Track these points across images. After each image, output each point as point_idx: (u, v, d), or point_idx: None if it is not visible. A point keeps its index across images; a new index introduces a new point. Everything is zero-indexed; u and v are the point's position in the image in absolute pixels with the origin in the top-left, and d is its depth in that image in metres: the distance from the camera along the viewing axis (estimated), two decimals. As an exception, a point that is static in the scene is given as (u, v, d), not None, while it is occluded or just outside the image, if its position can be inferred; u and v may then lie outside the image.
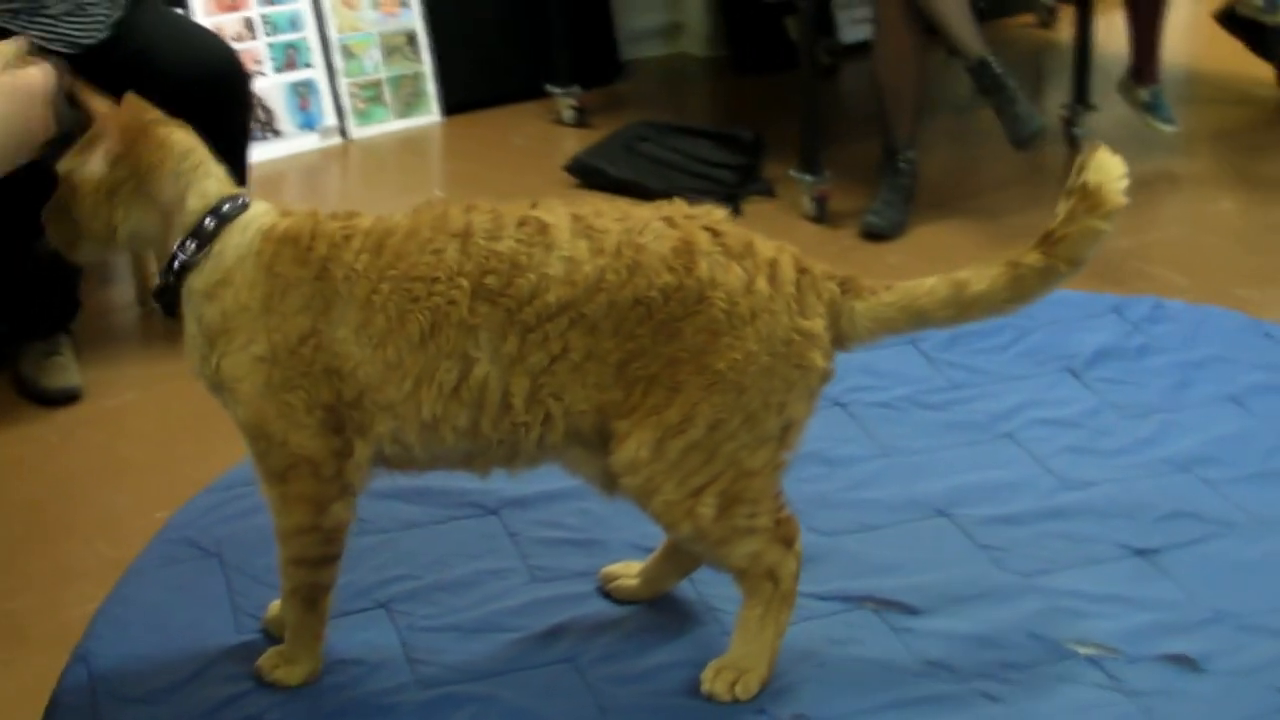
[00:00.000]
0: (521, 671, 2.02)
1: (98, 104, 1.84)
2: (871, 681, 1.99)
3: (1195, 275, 3.36)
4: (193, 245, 1.85)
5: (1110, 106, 4.43)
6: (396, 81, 4.28)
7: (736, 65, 4.83)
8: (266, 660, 2.01)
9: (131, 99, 1.88)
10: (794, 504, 1.98)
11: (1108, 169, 1.85)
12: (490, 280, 1.80)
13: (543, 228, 1.83)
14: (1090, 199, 1.85)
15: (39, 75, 1.80)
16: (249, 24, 4.12)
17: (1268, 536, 2.33)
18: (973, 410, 2.63)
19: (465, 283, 1.80)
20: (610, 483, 1.90)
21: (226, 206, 1.86)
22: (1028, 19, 5.68)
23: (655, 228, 1.83)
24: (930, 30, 3.69)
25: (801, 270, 1.87)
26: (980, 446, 2.55)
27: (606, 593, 2.16)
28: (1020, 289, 1.88)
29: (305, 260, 1.82)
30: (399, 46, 4.36)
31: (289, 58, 4.16)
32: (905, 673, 2.01)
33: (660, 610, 2.14)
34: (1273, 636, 2.09)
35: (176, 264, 1.85)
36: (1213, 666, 2.03)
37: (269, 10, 4.16)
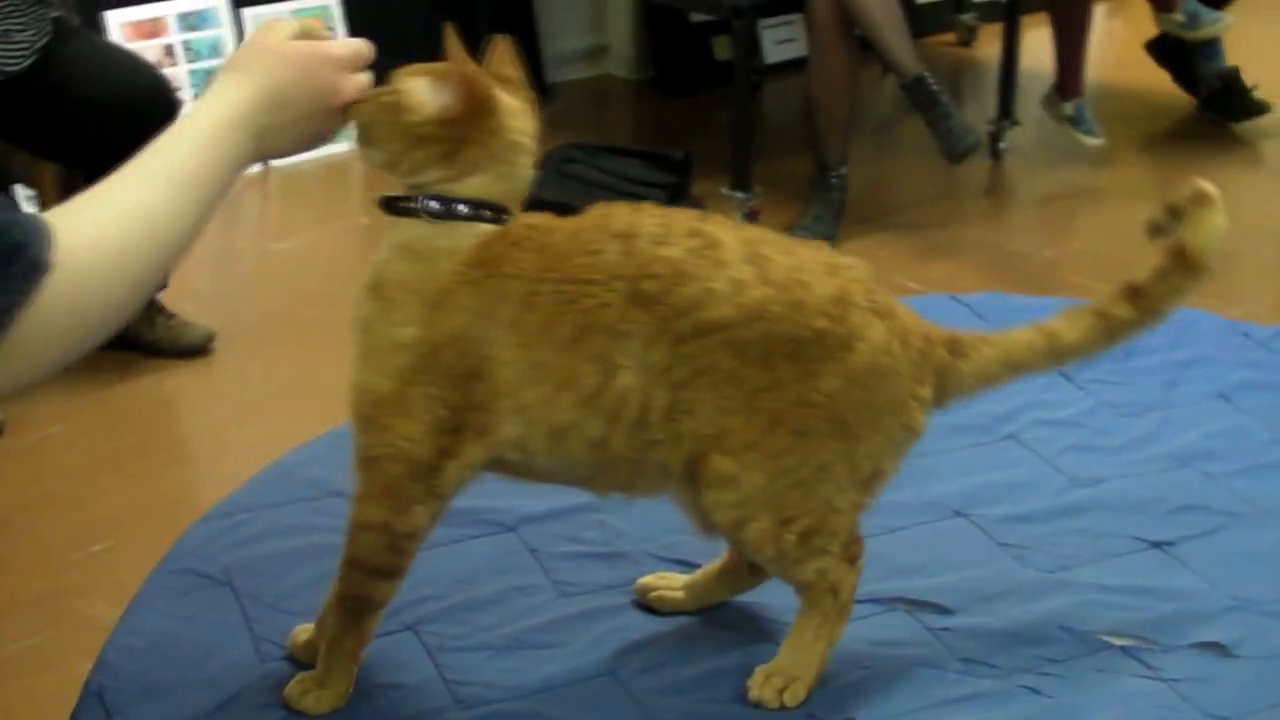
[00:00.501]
0: (564, 688, 2.00)
1: (456, 53, 1.79)
2: (915, 682, 1.99)
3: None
4: (435, 205, 1.81)
5: (1033, 121, 4.52)
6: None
7: (662, 86, 4.85)
8: (295, 687, 1.97)
9: (502, 55, 1.88)
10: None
11: (1208, 232, 1.90)
12: (649, 285, 1.77)
13: (714, 243, 1.81)
14: (1186, 263, 1.90)
15: (339, 45, 1.81)
16: (169, 50, 4.09)
17: (1275, 526, 2.37)
18: (975, 414, 2.64)
19: (621, 286, 1.77)
20: (705, 518, 1.90)
21: (486, 211, 1.83)
22: (949, 37, 5.78)
23: (817, 271, 1.84)
24: (864, 48, 3.74)
25: (925, 337, 1.90)
26: (987, 448, 2.58)
27: (646, 604, 2.14)
28: (1111, 339, 1.94)
29: (483, 261, 1.80)
30: (322, 75, 4.32)
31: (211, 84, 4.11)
32: (946, 671, 2.01)
33: (698, 620, 2.12)
34: (1298, 618, 2.12)
35: (408, 204, 1.82)
36: (1244, 651, 2.06)
37: (190, 36, 4.14)
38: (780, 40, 5.06)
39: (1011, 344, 1.94)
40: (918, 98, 3.69)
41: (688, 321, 1.78)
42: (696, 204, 3.81)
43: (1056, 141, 4.41)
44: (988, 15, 5.80)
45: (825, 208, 3.65)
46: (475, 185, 1.83)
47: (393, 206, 1.84)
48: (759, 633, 2.09)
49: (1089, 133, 4.62)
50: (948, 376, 1.92)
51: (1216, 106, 5.06)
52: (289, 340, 3.16)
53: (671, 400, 1.80)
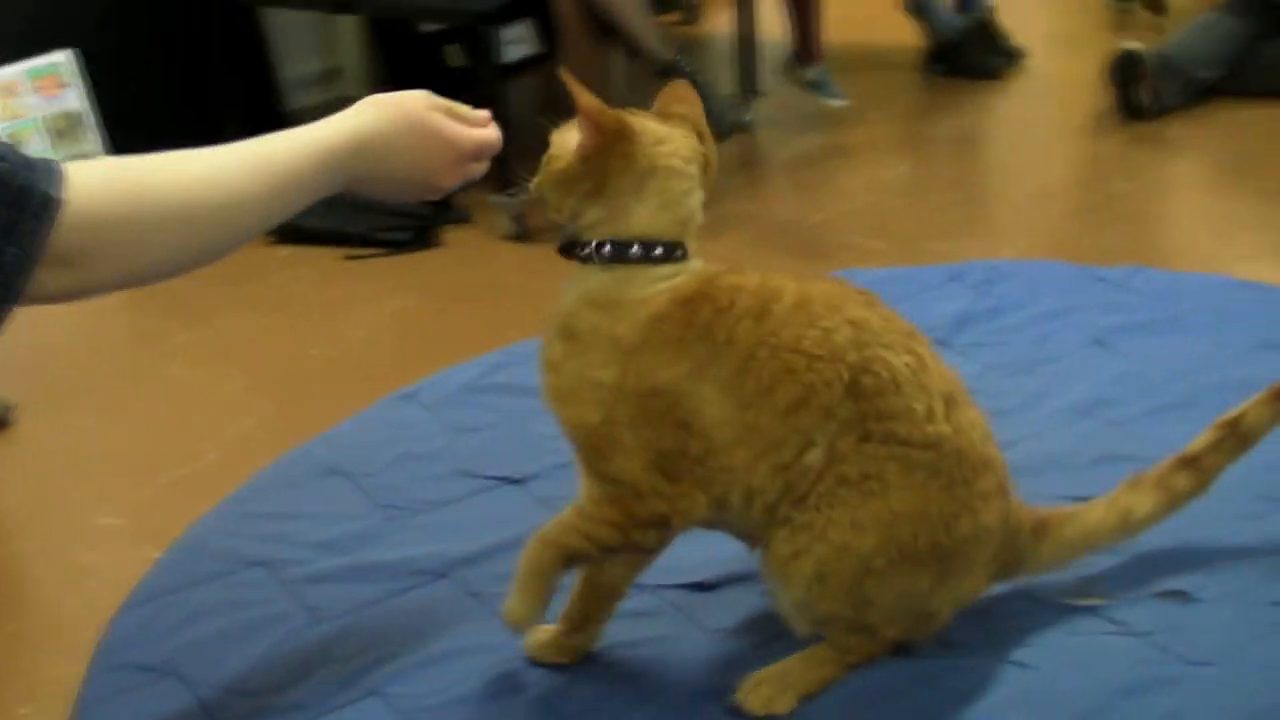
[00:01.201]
0: (550, 731, 1.93)
1: (583, 95, 1.80)
2: (895, 665, 1.96)
3: (890, 238, 3.53)
4: (608, 249, 1.84)
5: (775, 90, 4.59)
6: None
7: None
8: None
9: (672, 93, 1.92)
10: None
11: (1266, 420, 2.09)
12: (867, 381, 1.81)
13: (923, 365, 1.86)
14: (1241, 438, 2.08)
15: (469, 136, 1.87)
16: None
17: (1192, 464, 2.41)
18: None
19: (845, 373, 1.80)
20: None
21: (658, 250, 1.83)
22: (673, 17, 5.81)
23: (981, 430, 1.91)
24: (611, 34, 3.72)
25: (1020, 519, 1.98)
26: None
27: None
28: (1177, 506, 2.08)
29: (690, 323, 1.81)
30: (66, 129, 4.17)
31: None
32: (925, 656, 1.99)
33: (675, 645, 2.06)
34: (1245, 556, 2.17)
35: (582, 250, 1.86)
36: (1204, 595, 2.09)
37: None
38: (511, 40, 5.01)
39: (1087, 524, 2.04)
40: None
41: (882, 426, 1.82)
42: (463, 213, 3.75)
43: (802, 108, 4.48)
44: None
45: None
46: (640, 220, 1.84)
47: (570, 253, 1.89)
48: (740, 653, 2.04)
49: (833, 95, 4.67)
50: (1025, 560, 2.02)
51: (950, 58, 5.15)
52: (94, 407, 3.02)
53: (829, 491, 1.83)
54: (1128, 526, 2.05)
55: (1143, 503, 2.05)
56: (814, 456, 1.82)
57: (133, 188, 1.61)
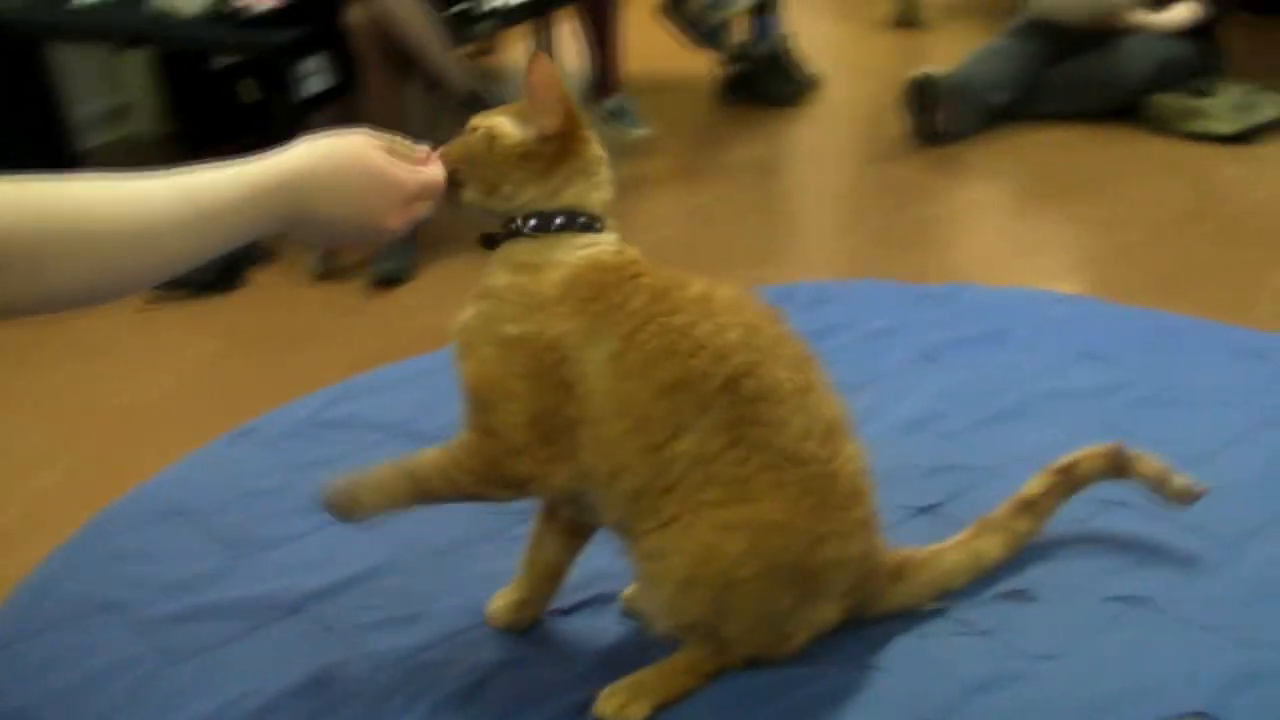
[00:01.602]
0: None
1: (541, 68, 1.86)
2: (754, 675, 2.00)
3: (700, 266, 3.59)
4: (533, 222, 1.91)
5: None
6: None
7: (190, 138, 4.72)
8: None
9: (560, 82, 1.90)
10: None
11: (1096, 470, 2.23)
12: (748, 384, 1.85)
13: (810, 388, 1.92)
14: (1072, 484, 2.22)
15: (414, 177, 1.82)
16: None
17: (1025, 470, 2.49)
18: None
19: (728, 369, 1.84)
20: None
21: (581, 219, 1.90)
22: (470, 48, 5.84)
23: (858, 466, 1.99)
24: (410, 66, 3.73)
25: (880, 560, 2.06)
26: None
27: (633, 614, 2.17)
28: (1020, 546, 2.21)
29: (596, 285, 1.86)
30: None
31: None
32: (782, 665, 2.03)
33: (564, 650, 2.08)
34: (1077, 556, 2.26)
35: (512, 225, 1.93)
36: (1042, 594, 2.17)
37: None
38: (308, 74, 4.99)
39: (940, 568, 2.13)
40: (474, 112, 3.68)
41: (755, 432, 1.86)
42: (265, 253, 3.70)
43: (606, 137, 4.54)
44: (503, 22, 5.90)
45: (399, 239, 3.62)
46: (569, 198, 1.93)
47: (494, 239, 1.95)
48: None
49: (633, 125, 4.72)
50: (879, 599, 2.07)
51: (748, 86, 5.23)
52: None
53: (700, 483, 1.87)
54: (979, 569, 2.16)
55: (992, 546, 2.17)
56: (685, 445, 1.85)
57: (36, 205, 1.53)
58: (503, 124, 1.95)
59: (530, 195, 1.93)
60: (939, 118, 4.49)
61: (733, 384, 1.86)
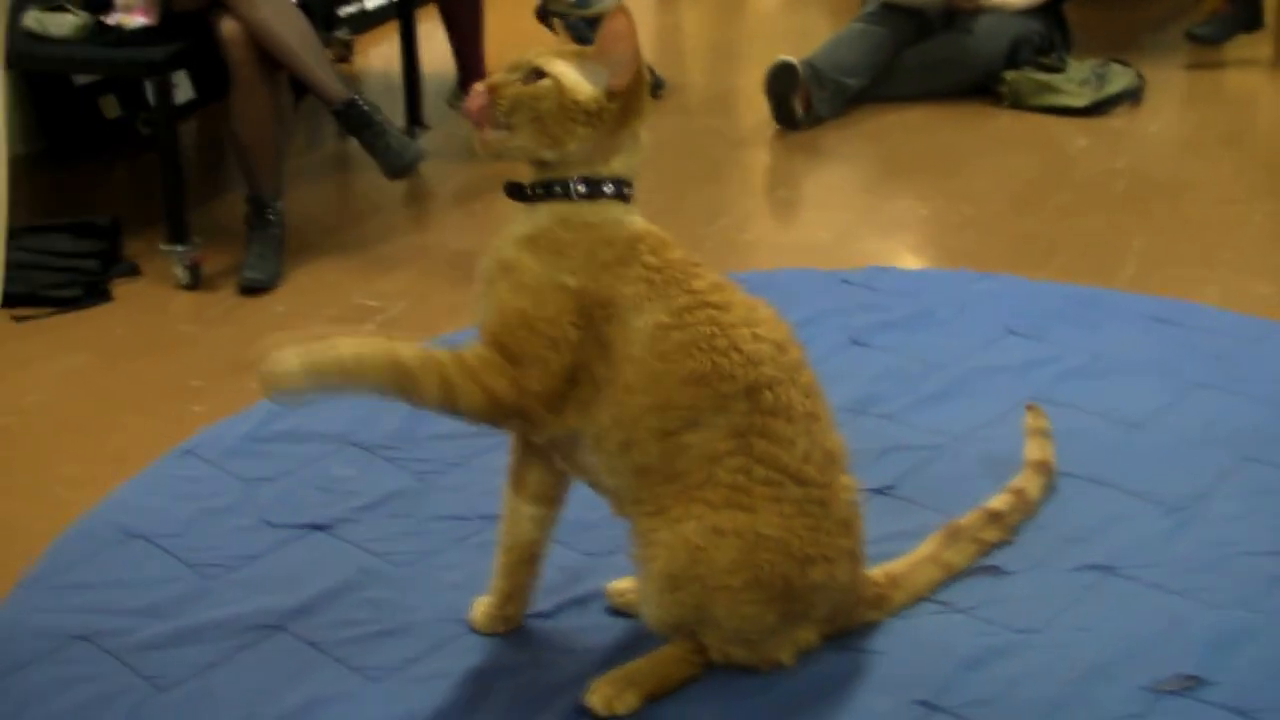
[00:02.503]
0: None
1: (620, 22, 1.87)
2: (752, 677, 2.03)
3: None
4: (583, 188, 1.90)
5: (442, 122, 4.64)
6: None
7: (55, 155, 4.64)
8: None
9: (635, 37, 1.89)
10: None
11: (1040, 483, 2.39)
12: (766, 397, 1.90)
13: (817, 418, 1.97)
14: (1027, 504, 2.35)
15: None
16: None
17: (970, 446, 2.58)
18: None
19: (753, 376, 1.89)
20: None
21: (626, 189, 1.90)
22: (329, 54, 5.79)
23: (854, 495, 2.04)
24: (282, 75, 3.69)
25: (863, 592, 2.10)
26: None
27: (619, 608, 2.18)
28: (984, 554, 2.27)
29: (660, 253, 1.91)
30: None
31: None
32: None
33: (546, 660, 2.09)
34: (1035, 528, 2.34)
35: (559, 189, 1.91)
36: (1013, 567, 2.25)
37: None
38: (174, 83, 4.92)
39: (917, 586, 2.19)
40: (351, 121, 3.64)
41: (763, 445, 1.91)
42: (131, 265, 3.65)
43: (469, 138, 4.53)
44: (358, 27, 5.85)
45: (266, 244, 3.59)
46: (618, 163, 1.92)
47: (532, 193, 1.92)
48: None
49: None
50: (856, 622, 2.10)
51: None
52: None
53: (704, 479, 1.90)
54: (950, 577, 2.22)
55: (962, 557, 2.24)
56: (695, 438, 1.89)
57: None
58: (570, 75, 1.89)
59: (589, 154, 1.90)
60: (798, 103, 4.57)
61: (753, 392, 1.91)
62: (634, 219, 1.93)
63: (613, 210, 1.92)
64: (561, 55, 1.91)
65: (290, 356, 1.81)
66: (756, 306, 1.98)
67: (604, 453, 1.93)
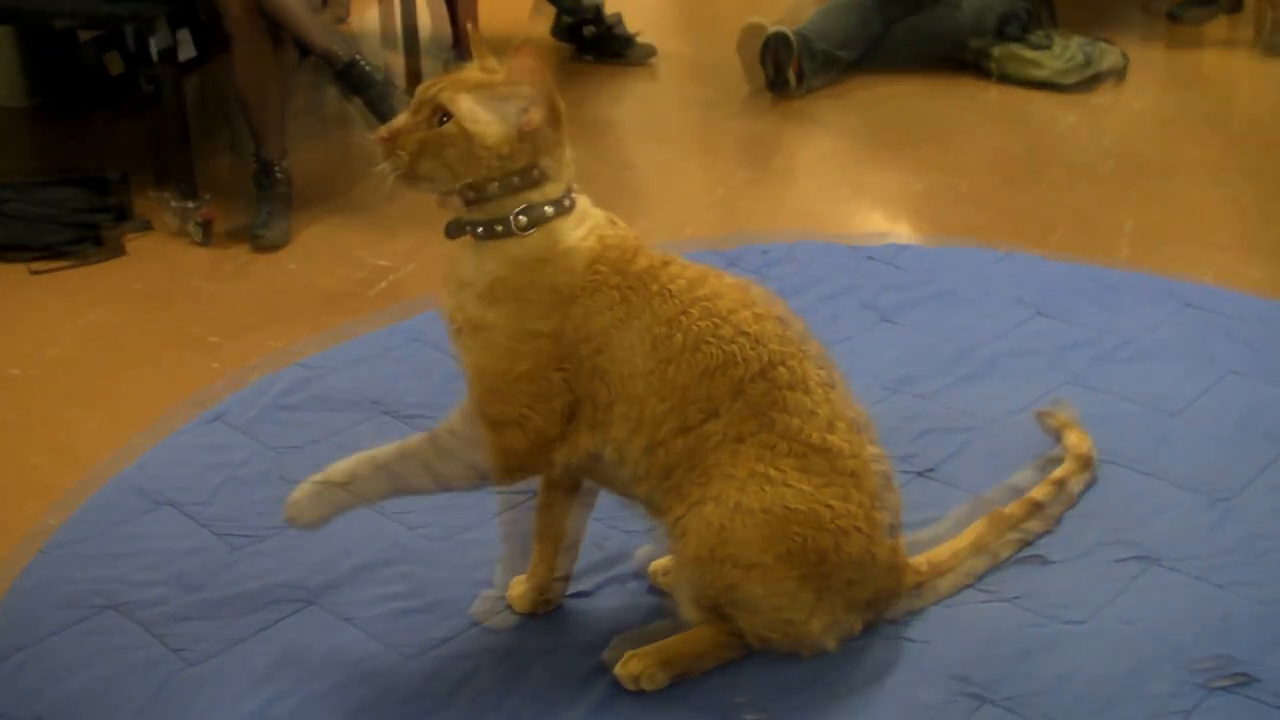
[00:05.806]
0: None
1: (527, 59, 1.84)
2: (795, 667, 2.01)
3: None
4: (524, 219, 1.86)
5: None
6: None
7: (56, 110, 4.61)
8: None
9: (546, 71, 1.87)
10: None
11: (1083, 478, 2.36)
12: (781, 373, 1.89)
13: (834, 384, 1.98)
14: (1069, 496, 2.33)
15: None
16: None
17: (1006, 431, 2.55)
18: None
19: (765, 355, 1.88)
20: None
21: (566, 200, 1.85)
22: (324, 15, 5.72)
23: (885, 467, 2.01)
24: (284, 36, 3.66)
25: (904, 570, 2.08)
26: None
27: (660, 586, 2.15)
28: (1027, 544, 2.24)
29: (625, 270, 1.85)
30: None
31: None
32: (826, 654, 2.02)
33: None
34: (1078, 516, 2.31)
35: (499, 227, 1.87)
36: (1056, 557, 2.22)
37: None
38: (178, 41, 4.87)
39: (964, 573, 2.16)
40: (354, 81, 3.63)
41: (784, 419, 1.90)
42: (143, 221, 3.62)
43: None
44: None
45: (274, 203, 3.58)
46: (552, 189, 1.89)
47: (474, 234, 1.89)
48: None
49: None
50: (899, 607, 2.08)
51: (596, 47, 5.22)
52: None
53: (727, 460, 1.89)
54: (993, 565, 2.20)
55: (1007, 547, 2.22)
56: (717, 425, 1.88)
57: None
58: (478, 116, 1.84)
59: (515, 196, 1.86)
60: (792, 73, 4.56)
61: (769, 370, 1.89)
62: (585, 237, 1.89)
63: (562, 234, 1.88)
64: (469, 89, 1.85)
65: (298, 494, 1.97)
66: (746, 287, 1.97)
67: (628, 462, 1.92)
